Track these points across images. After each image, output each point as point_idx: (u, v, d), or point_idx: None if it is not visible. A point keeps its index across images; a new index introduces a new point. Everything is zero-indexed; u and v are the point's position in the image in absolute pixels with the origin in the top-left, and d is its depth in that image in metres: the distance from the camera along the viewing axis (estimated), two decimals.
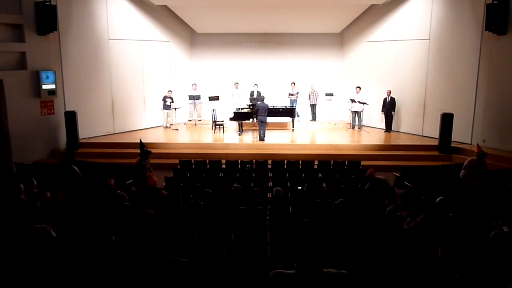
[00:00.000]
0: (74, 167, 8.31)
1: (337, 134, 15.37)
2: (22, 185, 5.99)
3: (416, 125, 14.97)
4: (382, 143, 14.06)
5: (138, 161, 8.84)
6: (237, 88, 17.07)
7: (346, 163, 10.80)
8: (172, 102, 15.98)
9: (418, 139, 14.45)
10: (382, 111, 15.31)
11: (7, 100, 11.89)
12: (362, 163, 11.08)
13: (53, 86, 12.86)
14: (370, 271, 4.11)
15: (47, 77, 12.67)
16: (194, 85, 17.00)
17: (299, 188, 8.76)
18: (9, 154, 12.02)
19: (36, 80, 12.47)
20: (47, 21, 12.29)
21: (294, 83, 16.77)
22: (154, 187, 8.34)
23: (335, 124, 16.49)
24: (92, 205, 5.53)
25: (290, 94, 16.68)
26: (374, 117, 16.07)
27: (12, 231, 4.01)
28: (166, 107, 15.96)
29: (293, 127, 15.68)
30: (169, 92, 15.93)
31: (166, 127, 16.19)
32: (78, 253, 1.48)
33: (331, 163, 10.86)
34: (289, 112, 15.45)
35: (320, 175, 10.04)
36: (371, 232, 5.20)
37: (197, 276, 2.63)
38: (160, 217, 2.55)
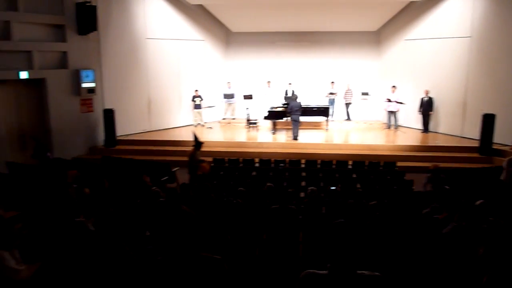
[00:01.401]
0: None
1: (372, 134, 15.11)
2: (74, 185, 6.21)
3: (455, 126, 14.50)
4: (418, 143, 13.71)
5: (192, 152, 9.42)
6: (269, 86, 17.05)
7: (381, 164, 10.60)
8: (202, 100, 16.12)
9: (457, 140, 13.99)
10: (419, 111, 14.93)
11: (49, 98, 12.35)
12: (398, 164, 10.85)
13: (92, 85, 13.24)
14: (405, 275, 4.01)
15: (87, 76, 13.06)
16: (229, 83, 17.11)
17: (333, 188, 8.67)
18: (51, 150, 12.47)
19: (77, 79, 12.87)
20: (87, 21, 12.66)
21: (333, 82, 16.56)
22: (204, 175, 8.65)
23: (370, 124, 16.22)
24: (128, 201, 5.66)
25: (330, 93, 16.49)
26: (411, 117, 15.68)
27: (54, 224, 4.16)
28: (196, 106, 16.13)
29: (327, 126, 15.52)
30: (196, 91, 16.08)
31: (199, 125, 16.34)
32: (109, 246, 1.51)
33: (366, 164, 10.68)
34: (323, 111, 15.29)
35: (354, 175, 9.89)
36: (407, 234, 5.08)
37: (230, 274, 2.64)
38: (194, 214, 2.58)
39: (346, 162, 10.79)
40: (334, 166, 10.58)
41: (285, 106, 15.08)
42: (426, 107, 14.71)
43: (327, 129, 15.48)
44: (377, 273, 2.57)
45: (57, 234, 4.05)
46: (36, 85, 12.26)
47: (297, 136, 14.01)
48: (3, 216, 4.99)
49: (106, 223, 4.55)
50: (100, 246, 1.49)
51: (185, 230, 2.54)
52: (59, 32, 12.57)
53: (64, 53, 12.67)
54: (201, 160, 9.54)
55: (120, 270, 1.48)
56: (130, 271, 1.51)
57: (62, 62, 12.70)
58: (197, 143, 9.59)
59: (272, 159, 11.08)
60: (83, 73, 12.96)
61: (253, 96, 16.54)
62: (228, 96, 16.92)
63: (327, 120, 15.45)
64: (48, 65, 12.36)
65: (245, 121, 15.84)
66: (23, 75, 11.66)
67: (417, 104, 14.96)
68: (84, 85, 13.03)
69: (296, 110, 13.85)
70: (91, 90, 13.24)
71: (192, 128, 16.24)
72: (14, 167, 9.77)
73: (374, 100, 16.70)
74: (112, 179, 7.65)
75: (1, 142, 11.32)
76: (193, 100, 16.08)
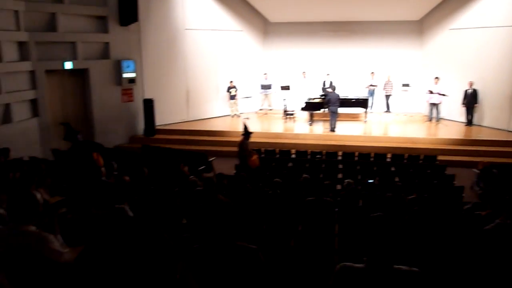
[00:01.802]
0: None
1: (413, 127, 14.71)
2: (103, 168, 6.41)
3: (502, 119, 13.87)
4: (461, 137, 13.25)
5: (241, 141, 9.64)
6: (304, 77, 16.88)
7: (421, 157, 10.32)
8: (237, 90, 16.15)
9: (503, 134, 13.40)
10: (462, 103, 14.39)
11: (92, 88, 12.75)
12: (439, 158, 10.53)
13: (133, 75, 13.55)
14: (443, 271, 3.90)
15: (128, 66, 13.37)
16: (265, 74, 17.07)
17: (370, 181, 8.53)
18: (93, 138, 12.91)
19: (118, 69, 13.21)
20: (129, 12, 12.93)
21: (373, 73, 16.20)
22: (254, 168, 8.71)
23: (411, 116, 15.79)
24: (166, 189, 5.79)
25: (370, 85, 16.15)
26: (454, 110, 15.12)
27: (95, 210, 4.30)
28: (232, 97, 16.19)
29: (365, 118, 15.23)
30: (231, 82, 16.12)
31: (235, 115, 16.42)
32: (148, 233, 1.55)
33: (405, 157, 10.43)
34: (362, 103, 14.99)
35: (393, 168, 9.69)
36: (446, 230, 4.94)
37: (265, 264, 2.65)
38: (230, 203, 2.60)
39: (384, 155, 10.58)
40: (372, 159, 10.40)
41: (323, 97, 14.90)
42: (470, 99, 14.16)
43: (365, 121, 15.20)
44: (415, 269, 2.50)
45: (99, 219, 4.19)
46: (79, 75, 12.67)
47: (334, 127, 13.84)
48: (48, 201, 5.22)
49: (145, 210, 4.67)
50: (139, 232, 1.52)
51: (221, 219, 2.57)
52: (101, 23, 12.91)
53: (106, 43, 13.01)
54: (251, 152, 9.51)
55: (158, 256, 1.51)
56: (168, 258, 1.54)
57: (104, 52, 13.05)
58: (246, 133, 9.69)
59: (309, 151, 11.00)
60: (124, 64, 13.27)
61: (290, 87, 16.44)
62: (265, 87, 16.90)
63: (365, 112, 15.15)
64: (91, 55, 12.74)
65: (282, 112, 15.78)
66: (68, 65, 12.07)
67: (460, 96, 14.42)
68: (125, 75, 13.35)
69: (334, 102, 13.66)
70: (131, 80, 13.56)
71: (230, 118, 16.36)
72: (59, 154, 10.17)
73: (415, 92, 16.19)
74: (151, 168, 7.83)
75: (47, 130, 11.80)
76: (228, 91, 16.16)
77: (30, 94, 11.46)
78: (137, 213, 4.61)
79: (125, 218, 4.24)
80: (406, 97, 16.18)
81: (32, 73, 11.45)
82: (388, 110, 16.34)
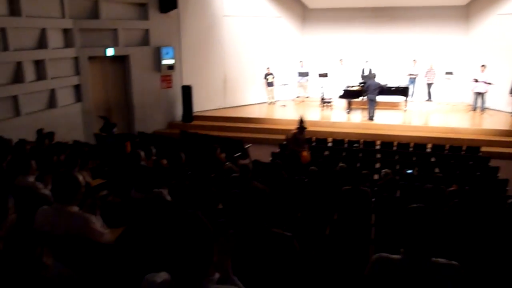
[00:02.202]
0: None
1: (455, 116, 14.20)
2: (142, 152, 6.56)
3: None
4: (507, 128, 12.67)
5: (295, 134, 9.17)
6: (341, 64, 16.55)
7: (464, 148, 9.97)
8: (274, 78, 16.05)
9: None
10: (510, 92, 13.73)
11: (132, 74, 13.03)
12: (482, 149, 10.14)
13: (172, 62, 13.73)
14: (484, 266, 3.78)
15: (167, 53, 13.56)
16: (301, 62, 16.88)
17: (409, 171, 8.33)
18: (133, 124, 13.23)
19: (157, 56, 13.42)
20: None
21: (415, 60, 15.68)
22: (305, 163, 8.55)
23: (453, 105, 15.24)
24: (202, 174, 5.86)
25: (410, 75, 15.63)
26: (500, 99, 14.45)
27: (134, 194, 4.42)
28: (269, 84, 16.11)
29: (405, 107, 14.82)
30: (268, 69, 16.01)
31: (271, 103, 16.38)
32: (186, 217, 1.57)
33: (447, 148, 10.11)
34: (402, 91, 14.57)
35: (433, 159, 9.42)
36: (488, 224, 4.77)
37: (299, 251, 2.65)
38: (266, 190, 2.60)
39: (424, 145, 10.30)
40: (411, 149, 10.15)
41: (362, 85, 14.59)
42: None
43: (405, 110, 14.78)
44: (454, 262, 2.43)
45: (138, 202, 4.31)
46: (120, 61, 12.97)
47: (373, 116, 13.56)
48: (90, 183, 5.41)
49: (182, 194, 4.75)
50: (177, 216, 1.55)
51: (257, 206, 2.58)
52: (142, 10, 13.11)
53: (146, 30, 13.22)
54: (304, 146, 9.25)
55: (196, 239, 1.53)
56: (206, 242, 1.56)
57: (145, 39, 13.28)
58: (301, 127, 9.33)
59: (346, 140, 10.85)
60: (164, 50, 13.46)
61: (328, 75, 16.20)
62: (303, 74, 16.73)
63: (406, 101, 14.73)
64: (132, 42, 12.99)
65: (319, 99, 15.60)
66: (110, 52, 12.36)
67: (507, 85, 13.75)
68: (164, 62, 13.55)
69: (373, 90, 13.35)
70: (170, 67, 13.75)
71: (267, 105, 16.33)
72: (101, 138, 10.50)
73: (459, 80, 15.58)
74: (188, 154, 7.95)
75: (89, 115, 12.18)
76: (265, 78, 16.09)
77: (74, 80, 11.84)
78: (175, 197, 4.71)
79: (163, 202, 4.34)
80: (449, 86, 15.61)
81: (76, 59, 11.80)
82: (429, 99, 15.83)
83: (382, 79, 14.54)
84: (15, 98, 10.15)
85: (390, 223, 4.76)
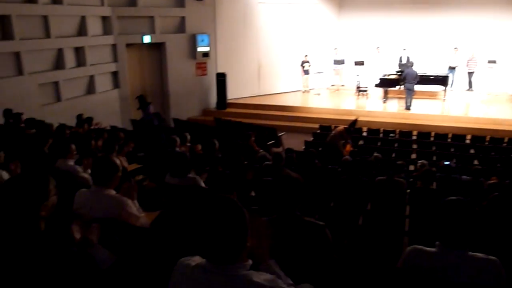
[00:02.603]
0: None
1: (497, 107, 13.64)
2: (177, 138, 6.67)
3: None
4: None
5: (341, 131, 8.91)
6: (378, 52, 16.14)
7: (505, 140, 9.59)
8: (310, 66, 15.85)
9: None
10: None
11: (168, 61, 13.19)
12: None
13: (207, 49, 13.81)
14: None
15: (202, 40, 13.64)
16: (336, 49, 16.58)
17: (446, 163, 8.10)
18: (168, 110, 13.44)
19: (193, 43, 13.52)
20: None
21: (456, 48, 15.08)
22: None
23: (496, 96, 14.63)
24: (235, 162, 5.90)
25: (450, 67, 15.07)
26: None
27: (170, 179, 4.51)
28: (305, 72, 15.92)
29: (444, 96, 14.35)
30: (306, 56, 15.80)
31: (306, 91, 16.23)
32: (220, 203, 1.59)
33: (487, 139, 9.75)
34: (441, 80, 14.10)
35: (472, 151, 9.12)
36: None
37: (332, 241, 2.63)
38: (299, 178, 2.59)
39: (463, 136, 9.98)
40: (449, 140, 9.86)
41: (399, 73, 14.22)
42: None
43: (444, 100, 14.32)
44: (492, 257, 2.36)
45: (173, 187, 4.39)
46: (156, 48, 13.15)
47: (410, 105, 13.22)
48: (126, 168, 5.54)
49: (216, 181, 4.81)
50: (213, 201, 1.57)
51: (290, 194, 2.57)
52: None
53: (182, 18, 13.32)
54: (347, 142, 9.07)
55: (232, 225, 1.55)
56: (241, 227, 1.58)
57: (180, 26, 13.39)
58: (351, 130, 9.19)
59: (381, 129, 10.65)
60: (199, 38, 13.54)
61: (364, 63, 15.87)
62: (338, 62, 16.45)
63: (445, 90, 14.26)
64: (168, 29, 13.13)
65: (354, 88, 15.33)
66: (146, 39, 12.55)
67: None
68: (200, 49, 13.64)
69: (411, 78, 12.98)
70: (205, 54, 13.83)
71: (301, 93, 16.19)
72: (137, 124, 10.73)
73: (502, 69, 14.89)
74: (222, 141, 8.02)
75: (126, 101, 12.46)
76: (302, 65, 15.90)
77: (112, 67, 12.12)
78: (208, 183, 4.77)
79: (197, 187, 4.40)
80: (491, 75, 14.96)
81: (114, 46, 12.06)
82: (470, 88, 15.26)
83: (420, 68, 14.12)
84: (56, 84, 10.51)
85: (425, 215, 4.65)
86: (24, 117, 7.92)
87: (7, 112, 8.12)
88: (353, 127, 9.14)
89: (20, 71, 9.55)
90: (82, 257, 2.13)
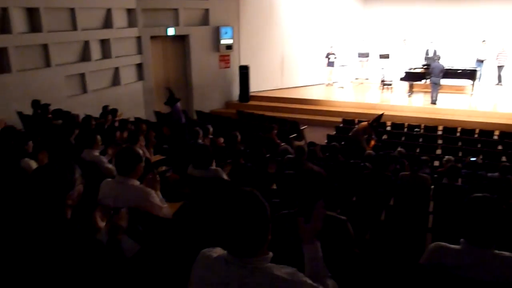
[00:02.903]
0: None
1: None
2: (200, 131, 6.71)
3: None
4: None
5: (365, 126, 8.79)
6: (405, 45, 15.80)
7: None
8: (336, 58, 15.66)
9: None
10: None
11: (191, 54, 13.26)
12: None
13: (230, 41, 13.81)
14: None
15: (226, 33, 13.64)
16: (363, 41, 16.33)
17: (473, 159, 7.93)
18: (191, 103, 13.54)
19: (216, 35, 13.54)
20: None
21: (485, 41, 14.65)
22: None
23: None
24: (257, 154, 5.91)
25: (478, 60, 14.64)
26: None
27: (192, 171, 4.55)
28: (330, 64, 15.74)
29: (472, 91, 13.98)
30: (331, 47, 15.61)
31: (329, 84, 16.08)
32: (243, 196, 1.60)
33: None
34: (470, 74, 13.72)
35: (500, 147, 8.89)
36: None
37: (353, 235, 2.62)
38: (321, 172, 2.58)
39: (491, 132, 9.74)
40: (476, 136, 9.63)
41: (426, 67, 13.92)
42: None
43: (472, 94, 13.96)
44: None
45: (195, 179, 4.43)
46: (180, 41, 13.23)
47: (435, 100, 12.95)
48: (150, 159, 5.62)
49: (237, 173, 4.83)
50: (235, 194, 1.58)
51: (312, 188, 2.56)
52: None
53: (206, 10, 13.34)
54: (372, 138, 8.96)
55: (254, 218, 1.56)
56: (263, 220, 1.58)
57: (204, 19, 13.42)
58: (372, 124, 8.98)
59: (406, 124, 10.49)
60: (223, 30, 13.55)
61: (390, 56, 15.59)
62: (363, 55, 16.21)
63: (473, 84, 13.88)
64: (192, 22, 13.18)
65: (379, 81, 15.11)
66: (170, 31, 12.64)
67: None
68: (223, 41, 13.65)
69: (438, 72, 12.70)
70: (229, 47, 13.84)
71: (324, 86, 16.04)
72: (160, 116, 10.84)
73: None
74: (244, 133, 8.04)
75: (150, 93, 12.60)
76: (327, 57, 15.71)
77: (136, 59, 12.26)
78: (230, 176, 4.80)
79: (220, 179, 4.43)
80: None
81: (138, 39, 12.19)
82: (499, 83, 14.84)
83: (447, 61, 13.80)
84: (82, 76, 10.70)
85: (450, 212, 4.57)
86: (52, 108, 8.11)
87: (35, 103, 8.32)
88: (376, 122, 8.99)
89: (48, 63, 9.76)
90: (108, 245, 2.18)
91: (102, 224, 2.44)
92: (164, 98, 11.04)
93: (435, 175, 6.58)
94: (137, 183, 3.18)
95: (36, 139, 5.36)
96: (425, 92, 13.94)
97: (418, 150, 8.69)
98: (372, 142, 8.74)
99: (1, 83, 8.76)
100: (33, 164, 4.27)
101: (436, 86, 12.84)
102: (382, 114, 9.40)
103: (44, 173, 2.00)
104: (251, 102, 14.29)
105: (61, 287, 1.81)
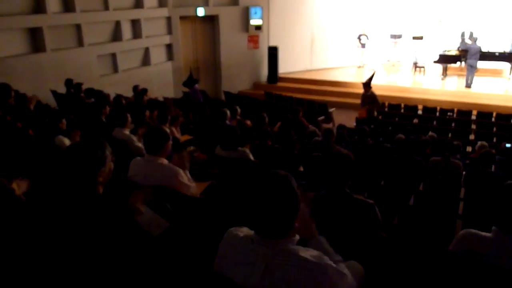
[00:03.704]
0: None
1: None
2: (228, 111, 6.73)
3: None
4: None
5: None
6: (440, 26, 15.24)
7: None
8: (368, 39, 15.29)
9: None
10: None
11: (220, 34, 13.21)
12: None
13: (259, 22, 13.68)
14: None
15: (255, 13, 13.51)
16: (397, 23, 15.85)
17: (508, 145, 7.67)
18: (220, 83, 13.56)
19: (246, 16, 13.42)
20: None
21: None
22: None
23: None
24: (283, 136, 5.88)
25: None
26: None
27: (219, 151, 4.58)
28: (362, 45, 15.39)
29: (510, 74, 13.46)
30: (364, 29, 15.23)
31: (360, 66, 15.77)
32: (271, 177, 1.59)
33: None
34: (508, 57, 13.18)
35: None
36: None
37: (380, 220, 2.59)
38: (350, 155, 2.55)
39: None
40: None
41: (461, 49, 13.44)
42: None
43: (509, 78, 13.44)
44: None
45: (222, 160, 4.46)
46: (210, 21, 13.19)
47: (471, 83, 12.53)
48: (178, 139, 5.69)
49: (265, 154, 4.83)
50: (267, 176, 1.58)
51: (339, 171, 2.54)
52: None
53: None
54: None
55: (284, 201, 1.56)
56: (293, 204, 1.58)
57: None
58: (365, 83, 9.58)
59: (438, 108, 10.21)
60: (252, 10, 13.42)
61: (423, 37, 15.11)
62: (395, 36, 15.76)
63: (511, 68, 13.35)
64: (221, 2, 13.11)
65: (411, 64, 14.70)
66: (200, 11, 12.60)
67: None
68: (252, 22, 13.54)
69: (474, 54, 12.24)
70: (258, 27, 13.72)
71: (355, 68, 15.75)
72: (182, 100, 10.89)
73: None
74: (272, 115, 8.01)
75: (179, 73, 12.67)
76: (358, 38, 15.37)
77: (166, 39, 12.32)
78: (257, 157, 4.81)
79: (247, 161, 4.45)
80: None
81: (168, 19, 12.22)
82: None
83: (484, 44, 13.27)
84: (113, 56, 10.85)
85: (481, 199, 4.46)
86: (84, 87, 8.28)
87: (69, 82, 8.51)
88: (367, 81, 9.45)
89: (80, 43, 9.94)
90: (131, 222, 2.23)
91: (142, 206, 2.48)
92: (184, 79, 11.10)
93: (467, 161, 6.41)
94: (165, 161, 3.23)
95: (69, 117, 5.49)
96: (460, 75, 13.50)
97: (450, 135, 8.47)
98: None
99: (36, 62, 8.99)
100: (66, 141, 4.39)
101: (472, 69, 12.40)
102: (373, 74, 9.84)
103: (77, 150, 2.05)
104: (280, 84, 14.19)
105: (93, 260, 1.87)
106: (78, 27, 9.84)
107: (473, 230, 2.41)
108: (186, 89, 11.54)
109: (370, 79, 9.61)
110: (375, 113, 9.73)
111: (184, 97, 10.47)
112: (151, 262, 1.84)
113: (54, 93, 8.59)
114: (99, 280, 1.85)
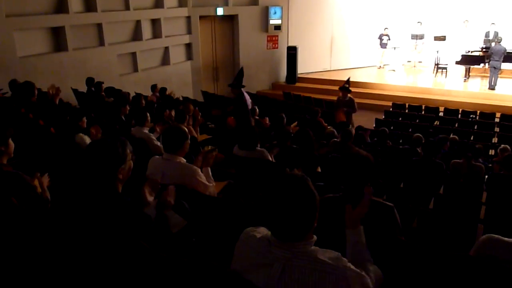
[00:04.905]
0: None
1: None
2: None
3: None
4: None
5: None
6: (466, 26, 14.91)
7: None
8: (389, 39, 15.08)
9: None
10: None
11: (240, 34, 13.23)
12: None
13: (279, 22, 13.66)
14: None
15: (275, 13, 13.49)
16: (419, 23, 15.60)
17: None
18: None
19: (265, 15, 13.42)
20: None
21: None
22: None
23: None
24: (301, 137, 5.85)
25: None
26: None
27: (236, 151, 4.58)
28: (383, 45, 15.18)
29: None
30: (386, 29, 15.03)
31: (380, 67, 15.58)
32: (289, 178, 1.58)
33: None
34: None
35: None
36: None
37: (400, 223, 2.55)
38: (369, 157, 2.52)
39: None
40: None
41: (485, 50, 13.16)
42: None
43: None
44: None
45: (240, 159, 4.46)
46: (229, 21, 13.23)
47: (494, 85, 12.26)
48: (197, 138, 5.71)
49: (283, 155, 4.81)
50: (286, 178, 1.57)
51: (358, 172, 2.51)
52: None
53: None
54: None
55: (303, 204, 1.55)
56: (312, 207, 1.57)
57: None
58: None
59: (460, 110, 10.03)
60: (272, 10, 13.41)
61: (446, 38, 14.82)
62: (417, 37, 15.51)
63: None
64: (241, 1, 13.13)
65: (433, 65, 14.46)
66: (220, 11, 12.65)
67: None
68: (272, 21, 13.53)
69: (498, 56, 11.96)
70: (277, 27, 13.70)
71: (376, 69, 15.58)
72: (208, 96, 10.96)
73: None
74: (290, 115, 7.98)
75: (198, 73, 12.74)
76: (379, 38, 15.16)
77: (185, 39, 12.40)
78: (276, 158, 4.79)
79: (265, 161, 4.44)
80: None
81: (188, 18, 12.29)
82: None
83: (509, 44, 12.96)
84: (133, 55, 10.97)
85: (504, 204, 4.36)
86: (104, 86, 8.40)
87: (90, 81, 8.64)
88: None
89: (101, 42, 10.08)
90: (156, 220, 2.25)
91: (150, 198, 2.51)
92: (213, 78, 11.04)
93: (490, 164, 6.28)
94: (183, 160, 3.24)
95: (90, 116, 5.57)
96: (483, 76, 13.23)
97: (472, 138, 8.31)
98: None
99: (58, 61, 9.15)
100: (87, 139, 4.45)
101: (496, 71, 12.13)
102: (348, 79, 9.52)
103: (98, 148, 2.08)
104: (298, 84, 14.13)
105: (109, 257, 1.89)
106: (99, 27, 9.98)
107: (495, 235, 2.36)
108: (206, 89, 11.61)
109: (347, 83, 9.33)
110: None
111: (232, 101, 8.20)
112: (168, 260, 1.84)
113: (75, 91, 8.73)
114: (116, 277, 1.87)
